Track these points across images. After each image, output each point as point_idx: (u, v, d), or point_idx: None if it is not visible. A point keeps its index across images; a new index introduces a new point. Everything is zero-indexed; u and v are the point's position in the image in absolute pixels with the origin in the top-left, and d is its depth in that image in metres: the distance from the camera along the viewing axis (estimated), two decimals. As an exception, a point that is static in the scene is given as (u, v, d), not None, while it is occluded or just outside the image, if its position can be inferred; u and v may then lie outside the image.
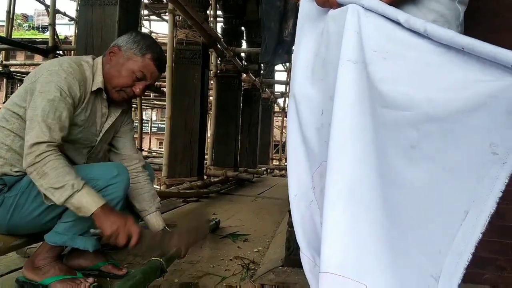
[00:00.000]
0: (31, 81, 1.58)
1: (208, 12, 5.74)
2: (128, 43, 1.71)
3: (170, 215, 3.62)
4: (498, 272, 1.92)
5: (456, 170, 0.95)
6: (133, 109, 10.87)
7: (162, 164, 5.31)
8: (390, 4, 1.22)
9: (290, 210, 1.50)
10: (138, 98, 7.95)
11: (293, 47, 1.66)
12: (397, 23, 1.17)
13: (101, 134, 1.77)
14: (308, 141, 1.42)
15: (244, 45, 8.30)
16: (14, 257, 2.04)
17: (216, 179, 5.80)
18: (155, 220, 1.85)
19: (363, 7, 1.24)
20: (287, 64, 8.81)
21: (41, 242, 1.69)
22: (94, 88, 1.67)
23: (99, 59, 1.74)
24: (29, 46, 5.74)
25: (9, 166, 1.59)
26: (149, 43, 1.73)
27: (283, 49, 3.09)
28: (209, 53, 5.55)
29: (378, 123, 1.13)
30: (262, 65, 8.68)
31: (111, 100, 1.77)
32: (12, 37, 7.56)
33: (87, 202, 1.43)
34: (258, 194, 5.58)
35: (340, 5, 1.35)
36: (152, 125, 23.22)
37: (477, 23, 1.92)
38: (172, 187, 4.17)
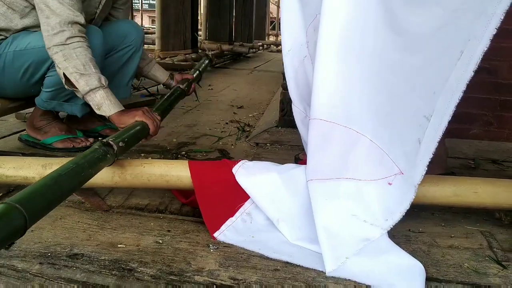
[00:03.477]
0: None
1: None
2: None
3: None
4: (485, 127, 1.99)
5: (457, 10, 0.93)
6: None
7: (155, 37, 5.18)
8: None
9: (283, 72, 1.50)
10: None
11: None
12: None
13: (100, 6, 1.70)
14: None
15: None
16: (14, 122, 2.09)
17: (211, 53, 5.70)
18: (159, 71, 1.96)
19: None
20: None
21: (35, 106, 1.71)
22: None
23: None
24: None
25: None
26: None
27: None
28: None
29: None
30: None
31: None
32: None
33: (111, 101, 1.38)
34: (254, 68, 5.55)
35: None
36: (143, 1, 22.21)
37: None
38: (166, 59, 4.11)
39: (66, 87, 1.41)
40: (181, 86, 1.84)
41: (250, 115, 2.58)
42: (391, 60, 1.05)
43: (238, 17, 8.27)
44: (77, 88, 1.37)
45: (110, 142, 1.03)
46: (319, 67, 1.07)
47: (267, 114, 2.50)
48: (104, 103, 1.37)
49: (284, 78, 1.74)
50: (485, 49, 0.88)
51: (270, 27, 15.25)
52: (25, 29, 1.57)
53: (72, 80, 1.37)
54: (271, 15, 15.47)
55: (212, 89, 3.61)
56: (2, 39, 1.56)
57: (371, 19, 1.07)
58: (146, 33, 10.12)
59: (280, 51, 10.01)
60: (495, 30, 0.87)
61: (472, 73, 0.90)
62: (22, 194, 0.66)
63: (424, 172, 0.95)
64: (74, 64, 1.36)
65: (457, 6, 0.94)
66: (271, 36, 13.71)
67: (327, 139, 1.03)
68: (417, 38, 1.02)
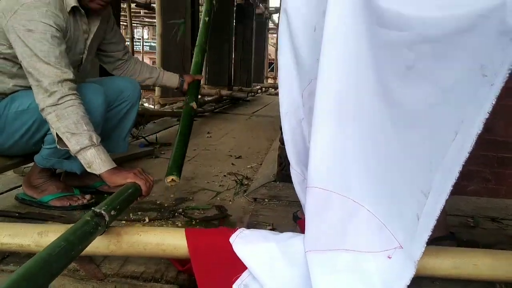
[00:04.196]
0: (8, 16, 1.44)
1: None
2: None
3: (165, 133, 3.66)
4: (483, 184, 1.99)
5: (448, 91, 0.96)
6: (123, 27, 10.54)
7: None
8: None
9: (282, 127, 1.51)
10: (128, 16, 7.68)
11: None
12: None
13: (86, 51, 1.72)
14: (299, 58, 1.39)
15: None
16: (12, 176, 2.09)
17: (210, 98, 5.78)
18: (167, 77, 2.06)
19: None
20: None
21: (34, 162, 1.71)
22: (69, 9, 1.55)
23: None
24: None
25: None
26: None
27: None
28: (199, -35, 5.27)
29: (374, 42, 1.10)
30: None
31: (88, 14, 1.68)
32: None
33: (102, 159, 1.38)
34: (252, 113, 5.60)
35: None
36: (144, 44, 22.66)
37: None
38: (166, 106, 4.15)
39: (58, 146, 1.42)
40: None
41: (248, 166, 2.58)
42: (387, 132, 1.06)
43: (237, 62, 8.43)
44: (68, 147, 1.39)
45: (102, 212, 1.02)
46: (315, 134, 1.07)
47: (265, 166, 2.50)
48: (95, 162, 1.38)
49: (281, 131, 1.76)
50: (479, 132, 0.89)
51: (268, 70, 15.52)
52: (16, 90, 1.59)
53: (64, 139, 1.39)
54: (269, 57, 15.77)
55: (210, 136, 3.63)
56: None
57: (365, 90, 1.09)
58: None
59: (278, 94, 10.14)
60: (487, 114, 0.88)
61: (467, 154, 0.91)
62: (10, 282, 0.66)
63: (424, 249, 0.94)
64: (66, 124, 1.38)
65: (448, 87, 0.97)
66: (269, 78, 13.90)
67: (325, 208, 1.03)
68: (411, 113, 1.04)
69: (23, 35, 1.41)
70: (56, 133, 1.39)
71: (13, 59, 1.51)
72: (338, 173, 1.03)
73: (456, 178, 0.93)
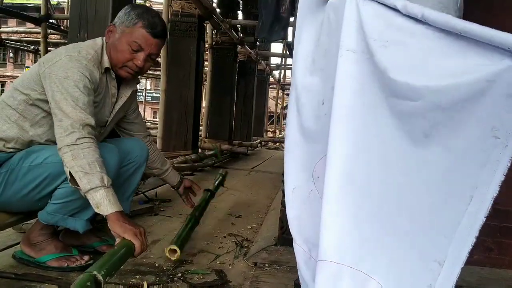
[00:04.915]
0: (48, 64, 1.57)
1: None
2: (120, 17, 1.71)
3: (165, 188, 3.64)
4: (486, 254, 1.97)
5: (462, 156, 0.96)
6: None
7: (156, 136, 5.31)
8: None
9: (283, 189, 1.52)
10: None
11: (293, 39, 1.64)
12: (395, 9, 1.16)
13: (112, 115, 1.79)
14: (308, 132, 1.42)
15: (240, 15, 8.18)
16: (10, 233, 2.06)
17: (210, 152, 5.81)
18: (172, 174, 2.16)
19: None
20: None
21: (36, 219, 1.70)
22: (103, 70, 1.68)
23: (104, 40, 1.75)
24: (21, 15, 5.63)
25: (3, 142, 1.60)
26: (140, 12, 1.70)
27: (279, 26, 3.05)
28: (205, 25, 5.46)
29: (386, 113, 1.13)
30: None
31: (120, 81, 1.79)
32: (3, 2, 7.40)
33: (110, 201, 1.41)
34: (252, 168, 5.62)
35: None
36: (147, 94, 23.09)
37: (477, 7, 1.91)
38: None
39: (70, 184, 1.46)
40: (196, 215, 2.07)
41: (248, 227, 2.56)
42: (400, 202, 1.07)
43: (238, 115, 8.55)
44: (79, 186, 1.42)
45: (98, 279, 1.01)
46: (327, 207, 1.09)
47: (265, 228, 2.48)
48: (103, 203, 1.42)
49: (284, 195, 1.76)
50: (495, 195, 0.89)
51: (268, 123, 15.72)
52: (33, 140, 1.63)
53: (76, 178, 1.43)
54: (269, 110, 16.00)
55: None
56: (12, 152, 1.60)
57: (377, 162, 1.11)
58: (148, 128, 10.41)
59: (277, 148, 10.25)
60: (503, 176, 0.88)
61: (484, 219, 0.90)
62: None
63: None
64: (81, 163, 1.43)
65: (461, 152, 0.97)
66: (269, 132, 14.04)
67: (336, 281, 1.03)
68: (425, 181, 1.04)
69: (59, 80, 1.54)
70: (70, 172, 1.43)
71: (41, 105, 1.61)
72: (351, 246, 1.04)
73: (472, 245, 0.92)
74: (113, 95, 1.77)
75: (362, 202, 1.09)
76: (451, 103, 0.96)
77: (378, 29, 1.18)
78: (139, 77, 1.92)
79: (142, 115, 14.14)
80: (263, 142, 10.39)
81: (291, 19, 3.08)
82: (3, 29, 8.16)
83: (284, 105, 15.37)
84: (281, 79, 13.50)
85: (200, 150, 5.82)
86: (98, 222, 2.00)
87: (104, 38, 1.75)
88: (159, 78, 8.66)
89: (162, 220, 2.57)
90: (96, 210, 1.43)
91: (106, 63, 1.69)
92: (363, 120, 1.16)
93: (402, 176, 1.09)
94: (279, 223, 2.10)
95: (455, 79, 0.95)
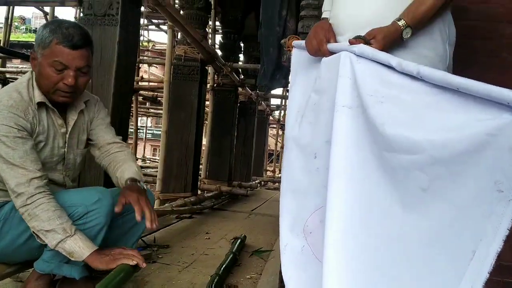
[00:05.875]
0: None
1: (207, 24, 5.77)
2: (36, 42, 1.60)
3: (164, 232, 3.63)
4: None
5: (465, 209, 0.96)
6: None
7: (156, 176, 5.31)
8: (381, 50, 1.26)
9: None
10: (134, 107, 7.97)
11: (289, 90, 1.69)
12: (390, 67, 1.20)
13: (66, 145, 1.74)
14: (298, 186, 1.43)
15: (241, 58, 8.35)
16: (6, 281, 2.04)
17: (209, 194, 5.80)
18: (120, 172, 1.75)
19: (354, 53, 1.27)
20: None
21: (32, 269, 1.69)
22: (34, 105, 1.61)
23: (32, 73, 1.67)
24: (27, 56, 5.73)
25: None
26: (53, 28, 1.58)
27: (280, 74, 3.12)
28: (207, 68, 5.57)
29: (383, 167, 1.15)
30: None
31: (63, 107, 1.72)
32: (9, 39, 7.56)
33: (80, 247, 1.43)
34: (252, 210, 5.58)
35: (332, 53, 1.38)
36: (147, 131, 23.15)
37: (475, 62, 1.96)
38: (166, 204, 4.17)
39: (39, 241, 1.47)
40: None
41: (247, 276, 2.53)
42: (399, 256, 1.07)
43: (238, 155, 8.57)
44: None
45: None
46: (328, 262, 1.09)
47: (264, 278, 2.45)
48: (75, 251, 1.43)
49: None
50: (499, 249, 0.88)
51: (268, 162, 15.70)
52: None
53: (41, 236, 1.44)
54: (268, 147, 16.01)
55: (209, 238, 3.60)
56: (2, 202, 1.61)
57: (376, 215, 1.12)
58: (147, 167, 10.42)
59: (277, 188, 10.20)
60: (507, 231, 0.88)
61: (488, 275, 0.89)
62: None
63: None
64: (39, 223, 1.44)
65: (464, 205, 0.97)
66: (268, 171, 14.03)
67: None
68: (427, 234, 1.04)
69: None
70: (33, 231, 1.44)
71: None
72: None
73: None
74: (60, 125, 1.70)
75: (364, 260, 1.09)
76: (452, 157, 0.97)
77: (373, 85, 1.21)
78: (86, 94, 1.83)
79: (142, 153, 13.89)
80: (262, 182, 10.36)
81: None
82: (7, 68, 8.30)
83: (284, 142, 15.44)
84: (281, 119, 13.62)
85: (199, 192, 5.81)
86: (97, 271, 1.98)
87: (32, 71, 1.66)
88: (160, 116, 8.67)
89: (160, 268, 2.54)
90: (72, 259, 1.44)
91: (38, 97, 1.61)
92: (360, 175, 1.18)
93: (402, 231, 1.09)
94: (279, 276, 2.08)
95: (456, 132, 0.96)
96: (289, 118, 1.55)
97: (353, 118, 1.22)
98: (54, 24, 1.61)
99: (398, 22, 1.29)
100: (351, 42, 1.29)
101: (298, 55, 1.59)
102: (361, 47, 1.25)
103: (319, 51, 1.42)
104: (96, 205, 1.59)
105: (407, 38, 1.31)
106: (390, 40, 1.29)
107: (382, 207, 1.14)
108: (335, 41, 1.45)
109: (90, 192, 1.64)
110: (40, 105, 1.63)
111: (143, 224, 1.86)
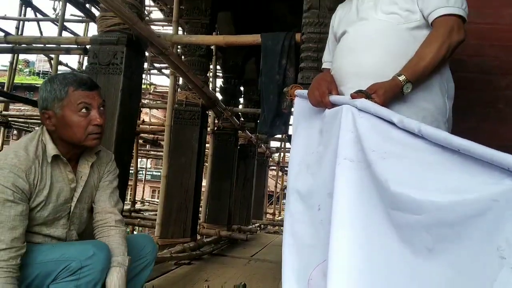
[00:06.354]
0: None
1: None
2: (48, 99, 1.63)
3: (162, 280, 3.56)
4: None
5: (469, 273, 0.95)
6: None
7: (155, 220, 5.26)
8: (382, 104, 1.28)
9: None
10: (134, 149, 8.00)
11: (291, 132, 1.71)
12: (391, 122, 1.21)
13: (74, 199, 1.72)
14: (301, 238, 1.43)
15: (241, 101, 8.47)
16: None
17: (209, 239, 5.74)
18: (110, 277, 1.62)
19: (356, 107, 1.29)
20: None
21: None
22: (50, 159, 1.62)
23: (43, 129, 1.68)
24: (30, 100, 5.83)
25: None
26: (61, 80, 1.63)
27: (280, 121, 3.16)
28: (207, 113, 5.64)
29: (388, 224, 1.14)
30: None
31: (76, 161, 1.74)
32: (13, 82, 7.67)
33: None
34: (251, 256, 5.50)
35: (334, 104, 1.41)
36: (146, 173, 23.13)
37: (473, 114, 1.99)
38: (165, 250, 4.11)
39: None
40: None
41: (247, 329, 2.47)
42: None
43: (238, 198, 8.53)
44: None
45: None
46: None
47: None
48: None
49: None
50: None
51: (268, 204, 15.60)
52: None
53: None
54: (268, 189, 15.94)
55: (208, 286, 3.52)
56: None
57: (379, 271, 1.11)
58: (146, 210, 10.35)
59: (276, 232, 10.08)
60: None
61: None
62: None
63: None
64: None
65: (465, 269, 0.95)
66: (268, 214, 13.91)
67: None
68: None
69: None
70: None
71: None
72: None
73: None
74: (71, 180, 1.69)
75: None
76: (456, 220, 0.96)
77: (376, 140, 1.22)
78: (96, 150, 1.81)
79: (141, 195, 13.72)
80: (262, 226, 10.26)
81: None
82: (10, 112, 8.40)
83: (284, 184, 15.38)
84: (281, 161, 13.65)
85: (198, 237, 5.74)
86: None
87: (42, 127, 1.68)
88: (160, 158, 8.69)
89: (158, 320, 2.48)
90: None
91: (52, 150, 1.62)
92: (363, 231, 1.17)
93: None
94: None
95: (459, 195, 0.96)
96: (292, 168, 1.56)
97: (355, 171, 1.23)
98: (59, 78, 1.66)
99: (399, 77, 1.33)
100: (353, 96, 1.32)
101: (300, 104, 1.62)
102: (363, 102, 1.27)
103: (321, 103, 1.45)
104: (90, 260, 1.55)
105: (407, 93, 1.34)
106: (391, 94, 1.32)
107: (387, 262, 1.13)
108: (337, 93, 1.48)
109: (85, 247, 1.61)
110: (53, 159, 1.64)
111: (146, 273, 1.85)
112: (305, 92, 1.58)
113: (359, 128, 1.27)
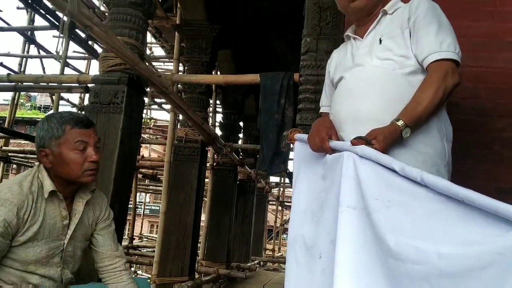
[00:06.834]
0: None
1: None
2: (44, 138, 1.66)
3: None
4: None
5: None
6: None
7: (153, 257, 5.18)
8: (382, 150, 1.28)
9: None
10: (134, 185, 7.97)
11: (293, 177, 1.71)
12: (393, 170, 1.21)
13: (68, 236, 1.72)
14: (303, 284, 1.41)
15: (241, 135, 8.51)
16: None
17: (207, 278, 5.64)
18: None
19: (357, 154, 1.29)
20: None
21: None
22: (47, 195, 1.63)
23: (40, 166, 1.70)
24: (30, 137, 5.86)
25: None
26: (58, 119, 1.68)
27: (279, 160, 3.17)
28: (207, 149, 5.66)
29: (389, 274, 1.12)
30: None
31: (71, 199, 1.75)
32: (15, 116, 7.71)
33: None
34: (250, 296, 5.41)
35: (334, 150, 1.41)
36: (145, 207, 22.94)
37: (469, 155, 2.00)
38: (162, 290, 4.05)
39: None
40: None
41: None
42: None
43: (237, 235, 8.44)
44: None
45: None
46: None
47: None
48: None
49: None
50: None
51: (267, 239, 15.42)
52: None
53: None
54: (268, 223, 15.78)
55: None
56: None
57: None
58: (144, 246, 10.23)
59: (276, 269, 9.91)
60: None
61: None
62: None
63: None
64: None
65: None
66: (268, 250, 13.72)
67: None
68: None
69: None
70: None
71: None
72: None
73: None
74: (64, 217, 1.69)
75: None
76: (459, 271, 0.95)
77: (378, 188, 1.21)
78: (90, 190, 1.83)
79: (139, 229, 13.59)
80: (261, 262, 10.10)
81: (292, 153, 3.22)
82: (11, 147, 8.42)
83: (284, 218, 15.25)
84: (280, 195, 13.57)
85: (197, 275, 5.65)
86: None
87: (39, 165, 1.70)
88: (159, 193, 8.62)
89: None
90: None
91: (49, 186, 1.64)
92: (368, 279, 1.16)
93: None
94: None
95: (465, 248, 0.95)
96: (296, 215, 1.54)
97: (357, 219, 1.22)
98: (56, 117, 1.70)
99: (397, 123, 1.34)
100: (353, 143, 1.32)
101: (301, 148, 1.62)
102: (363, 149, 1.27)
103: (321, 148, 1.45)
104: None
105: (406, 137, 1.35)
106: (391, 140, 1.33)
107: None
108: (337, 138, 1.49)
109: None
110: (50, 195, 1.65)
111: None
112: (305, 136, 1.58)
113: (361, 175, 1.26)
